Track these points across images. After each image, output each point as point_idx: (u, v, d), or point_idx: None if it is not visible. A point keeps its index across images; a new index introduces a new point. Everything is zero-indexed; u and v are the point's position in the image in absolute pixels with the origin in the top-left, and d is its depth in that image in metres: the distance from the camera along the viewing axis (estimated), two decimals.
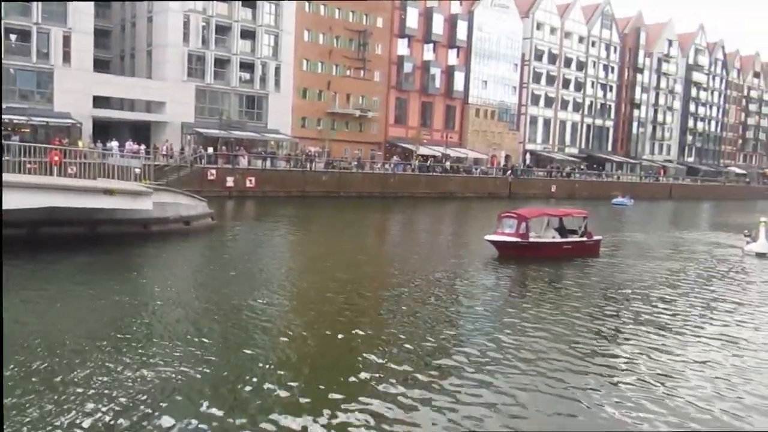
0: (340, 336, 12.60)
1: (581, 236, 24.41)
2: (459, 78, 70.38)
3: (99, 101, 46.38)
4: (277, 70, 55.58)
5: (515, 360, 11.24)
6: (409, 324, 13.69)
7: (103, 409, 8.56)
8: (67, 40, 44.03)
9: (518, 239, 22.49)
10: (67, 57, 44.28)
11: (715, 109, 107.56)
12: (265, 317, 13.67)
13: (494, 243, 23.03)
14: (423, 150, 63.65)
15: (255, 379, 9.91)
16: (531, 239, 22.87)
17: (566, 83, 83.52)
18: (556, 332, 13.14)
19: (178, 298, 15.27)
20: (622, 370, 11.06)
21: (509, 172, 66.18)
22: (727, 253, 27.34)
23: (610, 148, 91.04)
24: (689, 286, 19.53)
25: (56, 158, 25.14)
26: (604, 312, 15.45)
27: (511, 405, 9.31)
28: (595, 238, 24.87)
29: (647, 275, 21.05)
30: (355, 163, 55.44)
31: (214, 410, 8.75)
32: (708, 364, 11.51)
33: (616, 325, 14.25)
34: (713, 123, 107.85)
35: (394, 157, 59.88)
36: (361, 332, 12.82)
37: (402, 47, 65.43)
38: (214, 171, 43.44)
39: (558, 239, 24.09)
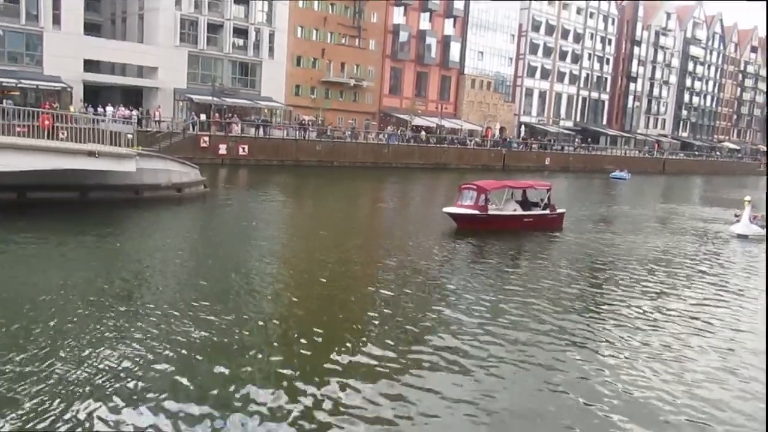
0: (324, 305, 12.75)
1: (544, 209, 23.76)
2: (455, 48, 69.67)
3: (90, 65, 45.70)
4: (271, 36, 54.83)
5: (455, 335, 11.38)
6: (364, 298, 13.83)
7: (85, 373, 8.66)
8: (56, 2, 43.14)
9: (477, 211, 21.85)
10: (56, 19, 43.46)
11: (711, 83, 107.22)
12: (253, 284, 13.79)
13: (452, 215, 22.30)
14: (417, 120, 63.37)
15: (239, 345, 10.04)
16: (491, 212, 22.22)
17: (563, 55, 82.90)
18: (504, 309, 12.84)
19: (167, 263, 15.34)
20: (575, 343, 11.05)
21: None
22: (709, 232, 26.62)
23: (605, 121, 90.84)
24: (656, 263, 18.65)
25: (46, 122, 24.89)
26: (558, 289, 14.84)
27: (474, 380, 9.40)
28: (559, 211, 24.23)
29: (612, 251, 20.48)
30: (349, 132, 55.16)
31: (199, 377, 8.88)
32: (651, 344, 11.28)
33: (570, 302, 13.79)
34: (708, 98, 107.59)
35: (389, 128, 59.56)
36: (342, 302, 12.97)
37: (398, 16, 64.57)
38: (206, 138, 43.17)
39: (519, 212, 23.35)
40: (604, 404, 8.66)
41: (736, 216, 26.99)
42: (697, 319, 12.99)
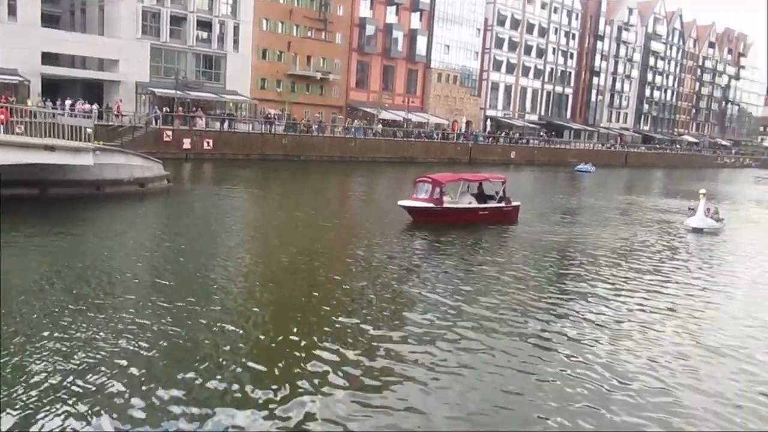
0: (289, 303, 12.76)
1: (499, 202, 23.79)
2: (421, 42, 69.86)
3: (48, 58, 44.52)
4: (236, 29, 54.17)
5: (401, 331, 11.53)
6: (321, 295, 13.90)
7: (44, 378, 8.51)
8: None
9: (432, 204, 21.79)
10: (12, 10, 42.25)
11: (671, 78, 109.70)
12: (217, 280, 13.69)
13: (407, 209, 22.20)
14: (385, 114, 63.41)
15: (201, 344, 9.99)
16: (445, 204, 22.17)
17: (528, 49, 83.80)
18: (457, 302, 13.02)
19: (127, 260, 15.12)
20: (527, 335, 11.24)
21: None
22: (665, 225, 26.62)
23: (569, 115, 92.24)
24: (608, 255, 18.71)
25: (1, 116, 24.20)
26: (511, 282, 14.76)
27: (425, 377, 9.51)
28: (514, 204, 24.19)
29: (565, 243, 20.55)
30: (316, 126, 54.95)
31: (161, 377, 8.81)
32: (601, 337, 11.47)
33: (522, 294, 13.82)
34: (669, 92, 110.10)
35: (356, 121, 59.50)
36: (302, 300, 13.00)
37: (364, 9, 64.42)
38: (170, 132, 42.52)
39: (474, 205, 23.39)
40: (560, 396, 8.86)
41: (690, 209, 26.99)
42: (646, 310, 13.14)
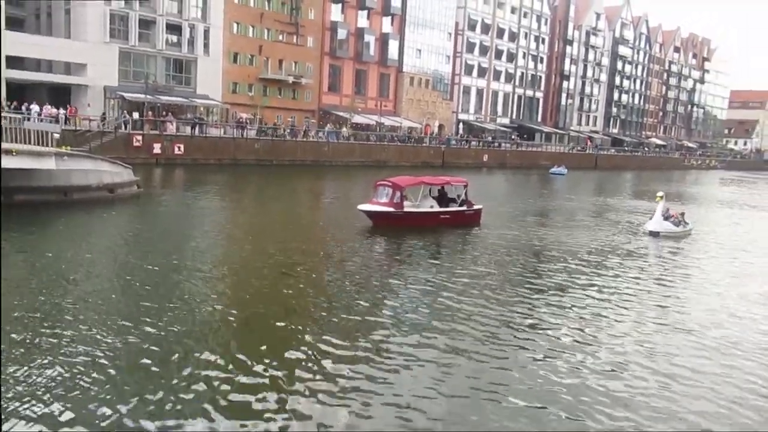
0: (253, 306, 12.69)
1: (461, 205, 23.60)
2: (393, 46, 70.11)
3: (13, 62, 43.55)
4: (206, 32, 53.70)
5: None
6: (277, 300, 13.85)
7: (13, 390, 8.34)
8: None
9: (392, 209, 21.40)
10: None
11: (638, 82, 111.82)
12: (186, 286, 13.52)
13: (367, 213, 21.84)
14: (357, 118, 63.40)
15: (170, 351, 9.86)
16: (406, 209, 21.82)
17: (499, 54, 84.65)
18: (419, 306, 13.19)
19: (96, 267, 14.86)
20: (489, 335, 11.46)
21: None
22: (625, 227, 26.47)
23: (540, 118, 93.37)
24: (564, 258, 18.75)
25: None
26: (472, 285, 14.68)
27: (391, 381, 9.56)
28: (476, 207, 24.03)
29: (526, 246, 20.57)
30: (288, 130, 54.67)
31: (132, 385, 8.68)
32: (558, 336, 11.76)
33: (481, 297, 13.92)
34: (637, 96, 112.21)
35: (328, 125, 59.38)
36: (268, 305, 12.93)
37: (335, 13, 64.42)
38: (140, 137, 41.92)
39: (436, 209, 23.09)
40: (520, 396, 8.96)
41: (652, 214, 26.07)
42: (595, 312, 13.22)
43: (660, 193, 25.26)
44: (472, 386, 9.06)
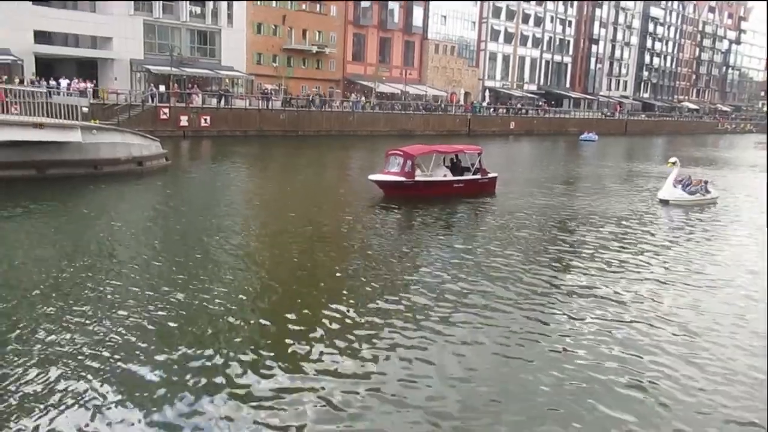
0: (288, 278, 12.84)
1: (474, 174, 23.02)
2: (418, 13, 69.03)
3: (40, 36, 44.07)
4: (230, 3, 53.51)
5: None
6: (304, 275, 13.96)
7: (53, 354, 8.62)
8: None
9: (403, 178, 20.95)
10: None
11: (670, 44, 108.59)
12: (217, 256, 13.74)
13: (378, 183, 21.45)
14: (382, 87, 62.93)
15: (207, 321, 10.07)
16: (418, 178, 21.33)
17: (526, 18, 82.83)
18: (431, 279, 13.08)
19: (128, 237, 15.15)
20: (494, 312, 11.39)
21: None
22: (642, 197, 24.74)
23: (568, 84, 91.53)
24: (572, 227, 18.20)
25: None
26: (484, 256, 14.38)
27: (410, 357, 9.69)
28: (490, 175, 23.42)
29: (541, 214, 19.87)
30: (319, 99, 54.56)
31: (166, 354, 8.90)
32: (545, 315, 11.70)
33: (494, 268, 13.72)
34: (668, 59, 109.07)
35: (353, 95, 59.08)
36: (298, 276, 13.06)
37: None
38: (166, 110, 42.30)
39: (449, 177, 22.56)
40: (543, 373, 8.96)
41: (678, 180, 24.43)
42: (608, 284, 12.86)
43: (672, 159, 23.97)
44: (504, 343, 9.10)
